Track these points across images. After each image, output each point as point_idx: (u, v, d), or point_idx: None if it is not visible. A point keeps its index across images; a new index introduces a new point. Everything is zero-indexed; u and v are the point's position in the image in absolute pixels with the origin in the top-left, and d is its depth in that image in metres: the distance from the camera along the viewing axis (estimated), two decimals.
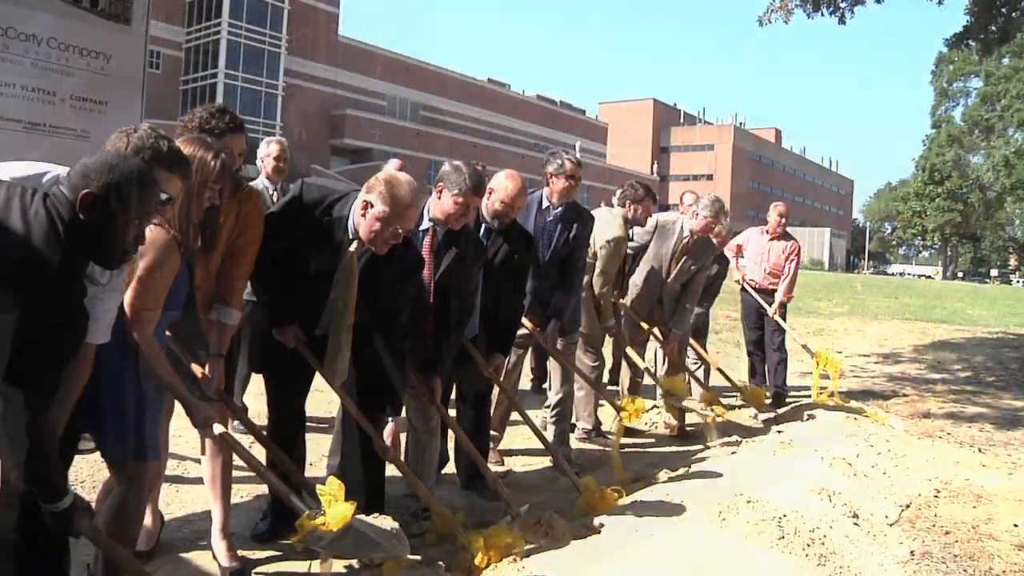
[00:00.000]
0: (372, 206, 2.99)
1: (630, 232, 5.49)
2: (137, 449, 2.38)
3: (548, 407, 5.06)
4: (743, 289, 7.37)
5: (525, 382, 6.29)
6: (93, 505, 2.62)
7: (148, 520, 3.10)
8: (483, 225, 3.96)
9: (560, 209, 4.67)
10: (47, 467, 1.88)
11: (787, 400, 7.00)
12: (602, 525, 3.45)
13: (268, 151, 5.12)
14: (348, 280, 3.09)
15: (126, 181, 1.90)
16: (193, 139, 2.68)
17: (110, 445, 2.36)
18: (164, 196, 2.16)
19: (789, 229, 7.44)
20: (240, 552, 3.07)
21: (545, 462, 4.70)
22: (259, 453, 3.85)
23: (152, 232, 2.32)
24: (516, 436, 5.09)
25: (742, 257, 7.40)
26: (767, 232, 7.29)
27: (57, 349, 1.85)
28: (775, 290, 7.14)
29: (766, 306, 7.08)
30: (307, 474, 3.51)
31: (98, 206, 1.86)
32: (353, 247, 3.08)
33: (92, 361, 2.16)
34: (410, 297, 3.34)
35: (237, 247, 2.97)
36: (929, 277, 73.02)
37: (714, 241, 5.87)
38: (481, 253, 3.84)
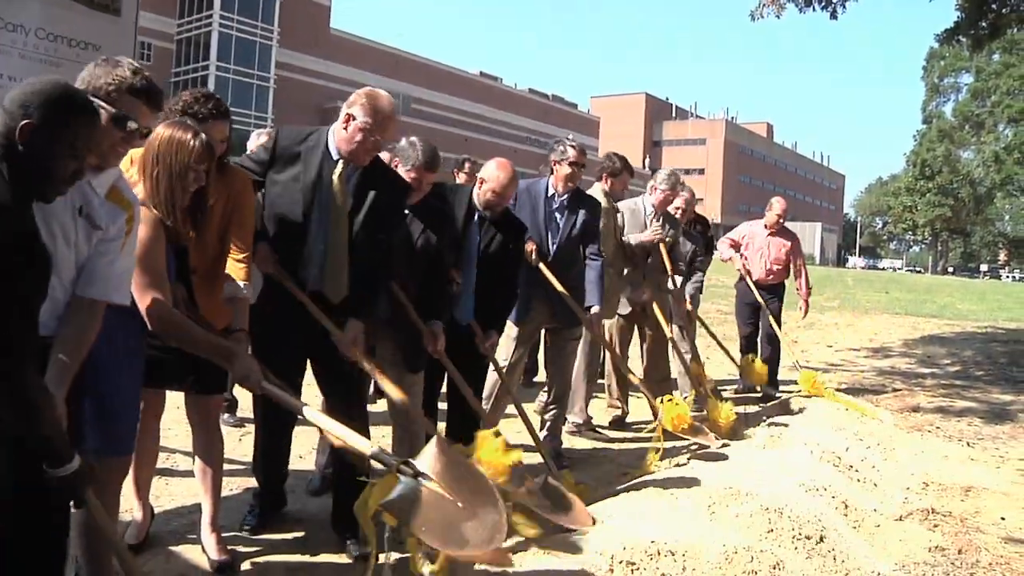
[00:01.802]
0: (354, 118, 3.07)
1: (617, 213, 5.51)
2: (111, 443, 2.38)
3: (542, 401, 5.04)
4: (740, 281, 7.40)
5: None
6: None
7: (138, 513, 3.09)
8: (476, 214, 3.95)
9: (566, 197, 4.68)
10: (41, 427, 1.76)
11: (777, 394, 7.03)
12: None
13: (259, 143, 5.09)
14: (339, 201, 3.11)
15: (66, 110, 1.80)
16: (172, 122, 2.65)
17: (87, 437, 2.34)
18: (134, 126, 2.14)
19: None
20: (229, 545, 3.06)
21: (536, 457, 4.70)
22: (248, 447, 3.84)
23: (142, 211, 2.32)
24: (507, 430, 5.07)
25: (738, 252, 7.43)
26: (766, 227, 7.35)
27: (18, 294, 1.70)
28: (774, 284, 7.21)
29: (762, 301, 7.12)
30: (295, 468, 3.51)
31: (38, 135, 1.75)
32: (339, 168, 3.12)
33: (100, 320, 2.11)
34: (402, 220, 3.44)
35: (234, 225, 2.96)
36: (919, 271, 73.58)
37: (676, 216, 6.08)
38: (447, 225, 3.77)
